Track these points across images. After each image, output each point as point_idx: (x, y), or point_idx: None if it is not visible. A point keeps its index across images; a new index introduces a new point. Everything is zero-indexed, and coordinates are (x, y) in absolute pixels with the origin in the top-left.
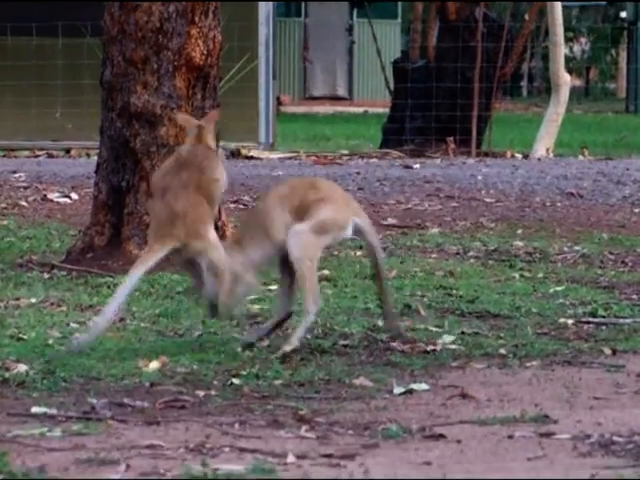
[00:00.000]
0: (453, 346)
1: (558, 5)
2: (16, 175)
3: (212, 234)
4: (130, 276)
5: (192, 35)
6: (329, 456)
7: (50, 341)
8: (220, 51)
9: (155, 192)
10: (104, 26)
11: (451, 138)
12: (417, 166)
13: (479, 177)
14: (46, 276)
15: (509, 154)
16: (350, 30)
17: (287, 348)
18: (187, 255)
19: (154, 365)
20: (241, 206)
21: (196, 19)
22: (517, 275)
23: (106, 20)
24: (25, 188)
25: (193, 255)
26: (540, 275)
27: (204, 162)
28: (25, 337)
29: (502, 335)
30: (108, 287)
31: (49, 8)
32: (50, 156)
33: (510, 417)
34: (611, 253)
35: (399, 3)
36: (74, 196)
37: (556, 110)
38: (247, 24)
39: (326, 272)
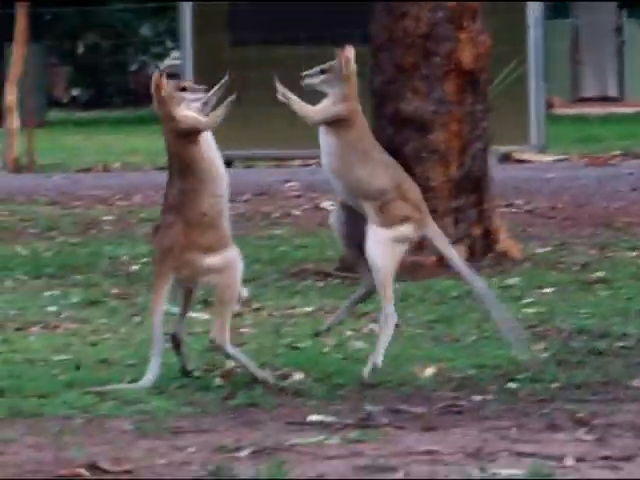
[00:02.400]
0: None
1: None
2: (289, 184)
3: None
4: (154, 325)
5: (461, 40)
6: (607, 458)
7: (325, 349)
8: (489, 55)
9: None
10: (372, 34)
11: None
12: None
13: None
14: (320, 284)
15: None
16: (619, 30)
17: (374, 362)
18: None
19: (430, 371)
20: (514, 210)
21: (464, 24)
22: None
23: (374, 28)
24: (297, 197)
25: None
26: None
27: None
28: (300, 346)
29: None
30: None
31: (318, 18)
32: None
33: None
34: None
35: None
36: None
37: None
38: (516, 27)
39: (600, 274)
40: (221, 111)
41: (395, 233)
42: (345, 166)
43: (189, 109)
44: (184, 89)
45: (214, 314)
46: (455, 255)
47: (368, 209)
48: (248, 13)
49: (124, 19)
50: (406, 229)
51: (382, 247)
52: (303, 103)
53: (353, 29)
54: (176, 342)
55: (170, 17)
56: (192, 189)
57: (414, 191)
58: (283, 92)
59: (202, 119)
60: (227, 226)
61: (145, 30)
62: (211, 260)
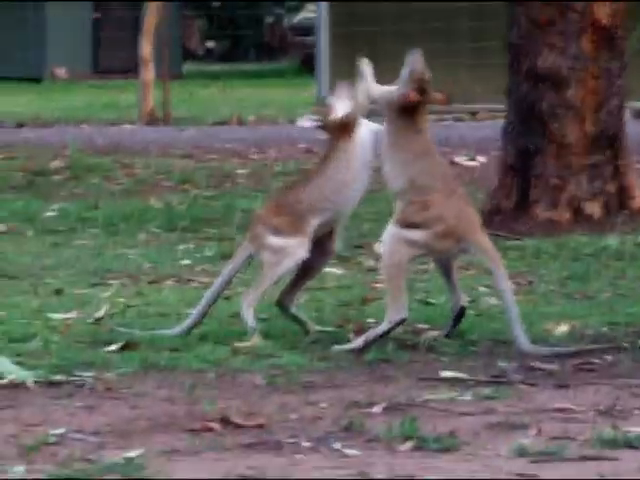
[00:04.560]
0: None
1: None
2: None
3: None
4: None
5: None
6: None
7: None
8: (626, 11)
9: None
10: None
11: None
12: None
13: None
14: None
15: None
16: None
17: (350, 346)
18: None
19: (563, 328)
20: None
21: None
22: None
23: None
24: None
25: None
26: None
27: None
28: (433, 301)
29: None
30: (516, 249)
31: None
32: (457, 120)
33: None
34: None
35: None
36: (481, 159)
37: None
38: None
39: None
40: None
41: (405, 234)
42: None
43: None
44: None
45: (253, 282)
46: (503, 275)
47: (397, 205)
48: None
49: None
50: (417, 235)
51: (388, 244)
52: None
53: None
54: (283, 309)
55: None
56: (322, 178)
57: (457, 202)
58: (363, 70)
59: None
60: (313, 222)
61: None
62: (273, 240)
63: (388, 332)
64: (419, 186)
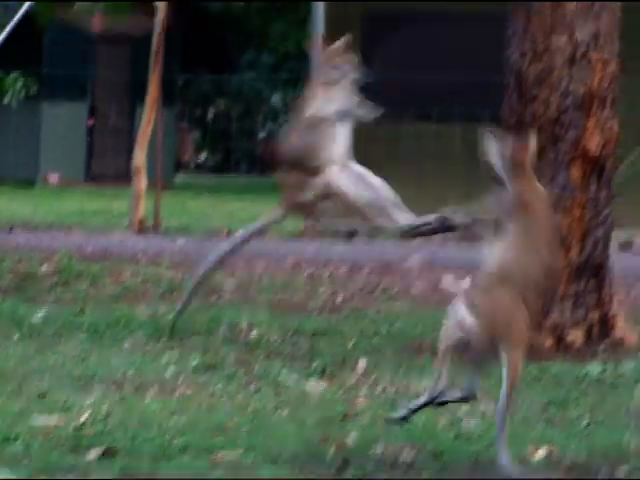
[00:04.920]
0: None
1: None
2: (411, 259)
3: None
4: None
5: (588, 127)
6: None
7: (439, 425)
8: (617, 142)
9: None
10: (503, 115)
11: None
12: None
13: None
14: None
15: None
16: None
17: (396, 416)
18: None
19: (542, 453)
20: (632, 297)
21: (594, 111)
22: None
23: (505, 110)
24: (418, 273)
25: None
26: None
27: None
28: (414, 421)
29: None
30: (497, 374)
31: (448, 93)
32: (445, 239)
33: None
34: None
35: None
36: (467, 282)
37: None
38: None
39: None
40: None
41: (454, 310)
42: None
43: None
44: None
45: None
46: (507, 382)
47: None
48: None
49: (255, 87)
50: (462, 311)
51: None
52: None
53: (485, 108)
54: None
55: (301, 88)
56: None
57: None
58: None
59: None
60: None
61: (275, 99)
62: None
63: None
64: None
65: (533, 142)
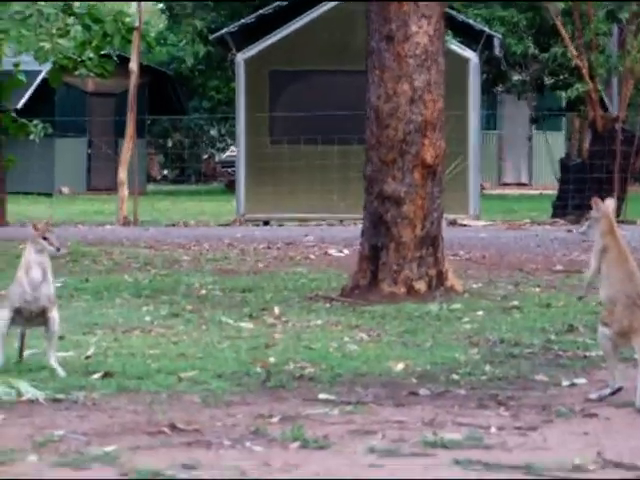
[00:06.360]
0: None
1: None
2: (307, 237)
3: None
4: None
5: (425, 144)
6: (519, 428)
7: (330, 349)
8: (444, 154)
9: None
10: (366, 138)
11: None
12: (576, 230)
13: None
14: (327, 306)
15: (639, 222)
16: (530, 138)
17: (596, 395)
18: None
19: (400, 366)
20: (457, 258)
21: (428, 133)
22: None
23: (368, 134)
24: (313, 246)
25: None
26: None
27: None
28: (314, 347)
29: None
30: (369, 313)
31: (329, 125)
32: (330, 225)
33: None
34: None
35: (563, 118)
36: (346, 251)
37: None
38: (461, 135)
39: (515, 303)
40: None
41: (602, 330)
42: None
43: None
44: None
45: None
46: None
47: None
48: (283, 121)
49: (199, 124)
50: (606, 331)
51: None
52: (587, 274)
53: (354, 134)
54: None
55: (231, 123)
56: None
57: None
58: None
59: None
60: None
61: (213, 132)
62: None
63: (612, 394)
64: (611, 300)
65: (612, 203)
